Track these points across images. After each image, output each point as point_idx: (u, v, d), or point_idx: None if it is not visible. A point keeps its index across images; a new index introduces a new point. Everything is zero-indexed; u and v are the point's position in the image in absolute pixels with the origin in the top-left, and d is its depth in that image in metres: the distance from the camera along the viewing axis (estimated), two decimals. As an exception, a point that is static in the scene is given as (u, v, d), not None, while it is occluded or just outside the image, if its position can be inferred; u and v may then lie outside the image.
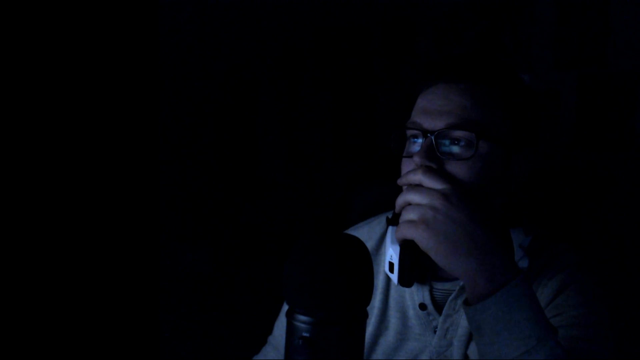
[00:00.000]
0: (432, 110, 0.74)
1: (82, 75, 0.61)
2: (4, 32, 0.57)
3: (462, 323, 0.79)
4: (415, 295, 0.83)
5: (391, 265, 0.75)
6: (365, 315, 0.55)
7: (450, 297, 0.80)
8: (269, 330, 1.03)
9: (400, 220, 0.71)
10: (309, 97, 2.68)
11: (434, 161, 0.72)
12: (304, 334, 0.52)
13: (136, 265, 0.63)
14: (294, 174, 2.68)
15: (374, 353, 0.86)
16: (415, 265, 0.74)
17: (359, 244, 0.57)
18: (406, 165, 0.77)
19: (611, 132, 2.51)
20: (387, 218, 0.83)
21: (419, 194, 0.68)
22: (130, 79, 0.63)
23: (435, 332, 0.81)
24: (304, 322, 0.52)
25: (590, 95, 2.54)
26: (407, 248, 0.73)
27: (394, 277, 0.75)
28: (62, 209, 0.59)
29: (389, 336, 0.85)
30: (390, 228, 0.78)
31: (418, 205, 0.68)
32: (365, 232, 0.94)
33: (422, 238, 0.66)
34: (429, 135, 0.73)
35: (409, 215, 0.68)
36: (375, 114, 2.79)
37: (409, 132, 0.77)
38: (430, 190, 0.68)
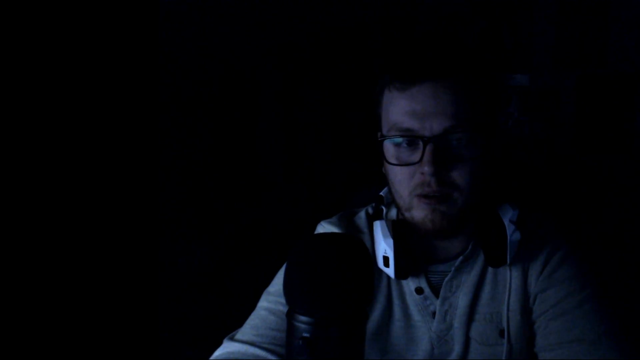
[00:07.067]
0: (425, 113, 0.70)
1: (81, 75, 0.61)
2: (3, 32, 0.57)
3: (461, 304, 0.80)
4: (411, 281, 0.82)
5: (386, 259, 0.75)
6: (365, 316, 0.55)
7: (446, 279, 0.80)
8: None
9: None
10: (309, 97, 2.68)
11: (443, 166, 0.70)
12: (304, 335, 0.52)
13: (136, 264, 0.63)
14: (294, 174, 2.68)
15: (383, 341, 0.84)
16: (409, 255, 0.75)
17: (358, 243, 0.57)
18: (404, 174, 0.74)
19: (611, 133, 2.51)
20: (368, 213, 0.87)
21: None
22: (129, 78, 0.63)
23: (434, 316, 0.81)
24: (304, 323, 0.52)
25: (590, 96, 2.54)
26: (401, 240, 0.74)
27: (390, 271, 0.76)
28: (61, 209, 0.59)
29: (395, 325, 0.84)
30: (379, 222, 0.79)
31: None
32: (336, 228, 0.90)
33: None
34: (430, 140, 0.70)
35: None
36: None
37: (398, 139, 0.74)
38: None
